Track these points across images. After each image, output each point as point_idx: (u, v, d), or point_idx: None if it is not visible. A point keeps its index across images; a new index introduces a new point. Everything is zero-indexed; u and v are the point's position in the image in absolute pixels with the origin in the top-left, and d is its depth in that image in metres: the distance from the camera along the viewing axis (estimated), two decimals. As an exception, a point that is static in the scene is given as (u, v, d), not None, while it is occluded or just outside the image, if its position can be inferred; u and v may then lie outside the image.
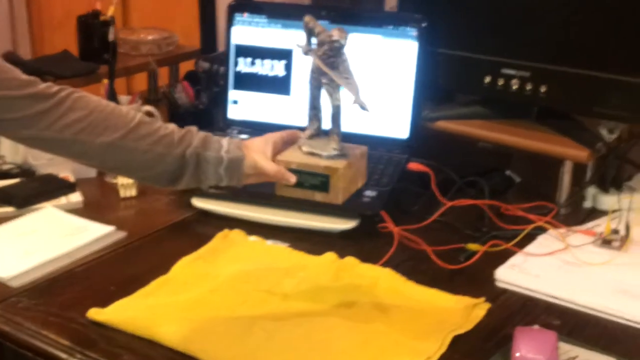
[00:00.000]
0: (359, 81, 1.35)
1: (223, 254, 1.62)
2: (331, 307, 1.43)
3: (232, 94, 2.03)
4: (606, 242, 1.63)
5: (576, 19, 1.77)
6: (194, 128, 1.37)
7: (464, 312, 1.41)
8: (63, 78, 2.09)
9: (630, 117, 1.75)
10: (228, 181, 1.36)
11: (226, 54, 2.05)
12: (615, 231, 1.64)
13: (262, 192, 1.70)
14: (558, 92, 1.80)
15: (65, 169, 1.92)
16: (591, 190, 1.84)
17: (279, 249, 1.64)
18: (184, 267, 1.56)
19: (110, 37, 2.27)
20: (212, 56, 2.41)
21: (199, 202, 1.79)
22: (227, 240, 1.66)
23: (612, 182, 1.84)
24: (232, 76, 2.03)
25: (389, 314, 1.41)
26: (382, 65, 1.89)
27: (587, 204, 1.84)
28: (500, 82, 1.85)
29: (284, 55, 1.97)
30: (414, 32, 1.87)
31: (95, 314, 1.39)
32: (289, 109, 1.96)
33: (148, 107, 2.03)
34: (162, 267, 1.54)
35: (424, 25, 1.86)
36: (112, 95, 2.16)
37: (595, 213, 1.80)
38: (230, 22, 2.02)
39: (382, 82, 1.88)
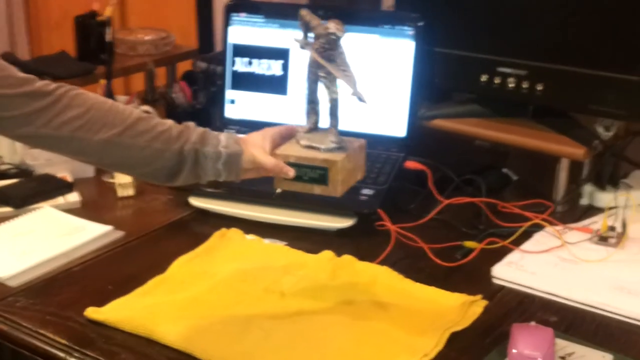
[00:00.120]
0: (356, 74, 1.34)
1: (220, 252, 1.62)
2: (329, 305, 1.44)
3: (230, 93, 2.04)
4: (603, 239, 1.64)
5: (572, 18, 1.77)
6: (191, 124, 1.37)
7: (461, 309, 1.41)
8: (60, 79, 2.08)
9: (626, 115, 1.76)
10: (227, 176, 1.36)
11: (223, 54, 2.05)
12: (612, 228, 1.64)
13: (260, 191, 1.71)
14: (554, 90, 1.80)
15: (63, 169, 1.93)
16: (588, 188, 1.84)
17: (276, 248, 1.64)
18: (182, 266, 1.56)
19: (108, 37, 2.27)
20: (209, 56, 2.41)
21: (196, 201, 1.80)
22: (225, 239, 1.67)
23: (608, 179, 1.85)
24: (229, 76, 2.03)
25: (386, 312, 1.42)
26: (379, 64, 1.89)
27: (584, 201, 1.85)
28: (497, 80, 1.85)
29: (281, 54, 1.97)
30: (410, 31, 1.87)
31: (92, 313, 1.39)
32: (286, 109, 1.96)
33: (146, 107, 2.03)
34: (160, 266, 1.55)
35: (420, 24, 1.87)
36: (109, 96, 2.16)
37: (591, 210, 1.80)
38: (227, 22, 2.03)
39: (379, 81, 1.89)
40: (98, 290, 1.48)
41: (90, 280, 1.53)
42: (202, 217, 1.78)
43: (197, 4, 2.70)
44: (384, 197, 1.74)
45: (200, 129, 1.36)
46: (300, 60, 1.40)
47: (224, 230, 1.69)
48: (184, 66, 2.57)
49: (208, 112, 2.19)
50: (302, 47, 1.39)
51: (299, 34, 1.40)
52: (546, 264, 1.57)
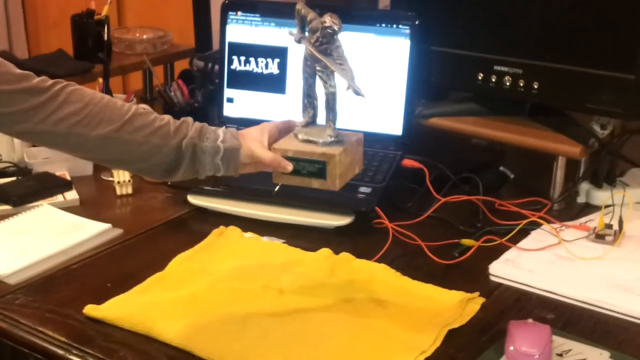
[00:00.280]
0: (353, 67, 1.34)
1: (219, 250, 1.62)
2: (327, 302, 1.44)
3: (227, 92, 2.04)
4: (599, 237, 1.64)
5: (568, 16, 1.78)
6: (189, 119, 1.37)
7: (458, 306, 1.41)
8: (58, 77, 2.09)
9: (623, 113, 1.76)
10: (225, 171, 1.36)
11: (221, 53, 2.05)
12: (609, 226, 1.65)
13: (258, 189, 1.72)
14: (551, 89, 1.81)
15: (62, 167, 1.93)
16: (584, 186, 1.85)
17: (274, 246, 1.65)
18: (180, 263, 1.57)
19: (105, 36, 2.28)
20: (206, 55, 2.42)
21: (194, 200, 1.80)
22: (223, 237, 1.67)
23: (605, 177, 1.85)
24: (226, 74, 2.04)
25: (384, 309, 1.42)
26: (375, 63, 1.90)
27: (581, 199, 1.85)
28: (493, 79, 1.86)
29: (278, 53, 1.98)
30: (406, 30, 1.88)
31: (91, 310, 1.39)
32: (284, 107, 1.97)
33: (143, 106, 2.04)
34: (158, 264, 1.55)
35: (416, 23, 1.87)
36: (107, 94, 2.16)
37: (588, 208, 1.81)
38: (224, 21, 2.03)
39: (376, 80, 1.89)
40: (97, 287, 1.48)
41: (89, 277, 1.54)
42: (200, 215, 1.78)
43: (194, 3, 2.71)
44: (382, 195, 1.75)
45: (198, 124, 1.37)
46: (298, 59, 1.40)
47: (222, 228, 1.69)
48: (181, 65, 2.57)
49: (205, 111, 2.20)
50: (298, 41, 1.39)
51: (294, 29, 1.40)
52: (543, 261, 1.58)
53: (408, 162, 1.80)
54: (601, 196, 1.79)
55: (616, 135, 1.85)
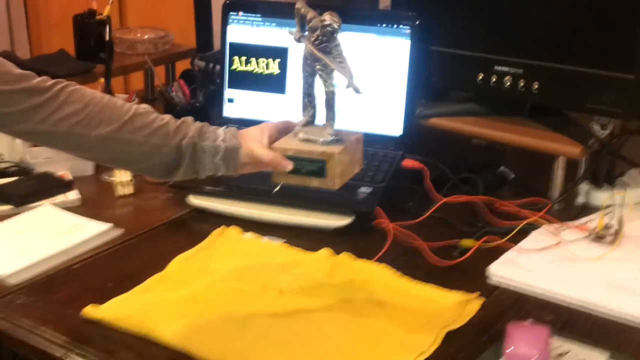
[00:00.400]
0: (353, 65, 1.34)
1: (219, 250, 1.63)
2: (326, 302, 1.44)
3: (228, 92, 2.05)
4: (599, 237, 1.64)
5: (569, 16, 1.78)
6: (189, 118, 1.38)
7: (457, 307, 1.41)
8: (60, 77, 2.10)
9: (622, 114, 1.76)
10: (225, 170, 1.37)
11: (222, 53, 2.06)
12: (608, 226, 1.65)
13: (258, 189, 1.72)
14: (550, 89, 1.81)
15: (63, 167, 1.94)
16: (584, 186, 1.85)
17: (274, 246, 1.65)
18: (180, 264, 1.57)
19: (107, 36, 2.28)
20: (207, 55, 2.42)
21: (194, 200, 1.80)
22: (223, 237, 1.67)
23: (604, 177, 1.85)
24: (227, 75, 2.04)
25: (383, 310, 1.42)
26: (375, 63, 1.90)
27: (580, 199, 1.85)
28: (493, 79, 1.86)
29: (279, 53, 1.98)
30: (407, 30, 1.88)
31: (91, 311, 1.40)
32: (284, 107, 1.97)
33: (145, 105, 2.04)
34: (158, 264, 1.55)
35: (416, 23, 1.88)
36: (108, 94, 2.17)
37: (588, 209, 1.81)
38: (225, 21, 2.03)
39: (376, 80, 1.90)
40: (97, 288, 1.49)
41: (90, 278, 1.54)
42: (200, 216, 1.79)
43: (196, 3, 2.71)
44: (382, 196, 1.75)
45: (198, 124, 1.37)
46: (298, 59, 1.40)
47: (222, 228, 1.70)
48: (182, 65, 2.58)
49: (206, 111, 2.20)
50: (298, 40, 1.39)
51: (294, 28, 1.40)
52: (543, 262, 1.58)
53: (408, 162, 1.80)
54: (601, 196, 1.79)
55: (616, 135, 1.85)
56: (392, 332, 1.35)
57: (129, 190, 1.88)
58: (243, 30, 2.01)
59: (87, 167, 1.97)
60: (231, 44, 2.03)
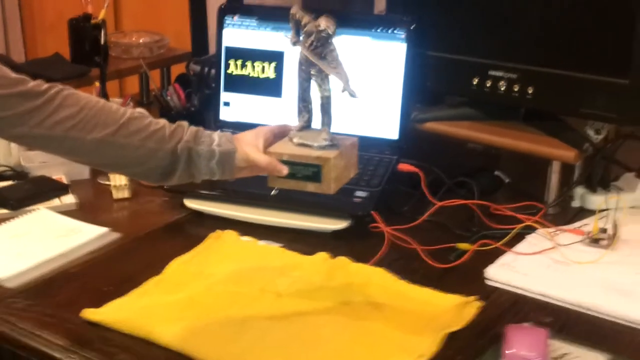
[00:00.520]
0: (348, 71, 1.35)
1: (216, 254, 1.63)
2: (324, 305, 1.45)
3: (224, 96, 2.05)
4: (594, 241, 1.65)
5: (563, 21, 1.79)
6: (184, 123, 1.38)
7: (456, 310, 1.42)
8: (54, 81, 2.09)
9: (616, 118, 1.77)
10: (220, 175, 1.37)
11: (217, 57, 2.06)
12: (603, 230, 1.66)
13: (255, 193, 1.73)
14: (545, 94, 1.82)
15: (59, 171, 1.94)
16: (579, 190, 1.86)
17: (271, 249, 1.65)
18: (178, 267, 1.57)
19: (102, 40, 2.28)
20: (203, 59, 2.42)
21: (191, 203, 1.81)
22: (220, 241, 1.68)
23: (599, 182, 1.86)
24: (223, 78, 2.04)
25: (381, 313, 1.43)
26: (371, 67, 1.90)
27: (575, 203, 1.86)
28: (488, 83, 1.87)
29: (275, 57, 1.98)
30: (402, 34, 1.89)
31: (90, 314, 1.40)
32: (280, 111, 1.98)
33: (140, 110, 2.04)
34: (156, 267, 1.56)
35: (412, 27, 1.88)
36: (103, 98, 2.17)
37: (583, 212, 1.82)
38: (220, 25, 2.04)
39: (371, 84, 1.90)
40: (95, 291, 1.49)
41: (88, 281, 1.54)
42: (197, 219, 1.79)
43: (191, 7, 2.71)
44: (378, 200, 1.76)
45: (194, 128, 1.37)
46: (294, 63, 1.40)
47: (219, 232, 1.70)
48: (178, 69, 2.58)
49: (202, 115, 2.20)
50: (293, 44, 1.40)
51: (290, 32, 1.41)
52: (539, 265, 1.59)
53: (404, 167, 1.81)
54: (596, 200, 1.80)
55: (610, 140, 1.86)
56: (390, 335, 1.36)
57: (125, 194, 1.88)
58: (239, 34, 2.02)
59: (83, 171, 1.97)
60: (227, 48, 2.03)
